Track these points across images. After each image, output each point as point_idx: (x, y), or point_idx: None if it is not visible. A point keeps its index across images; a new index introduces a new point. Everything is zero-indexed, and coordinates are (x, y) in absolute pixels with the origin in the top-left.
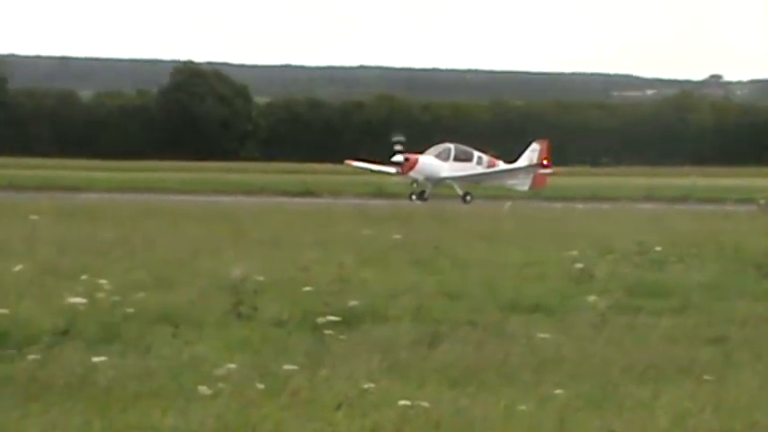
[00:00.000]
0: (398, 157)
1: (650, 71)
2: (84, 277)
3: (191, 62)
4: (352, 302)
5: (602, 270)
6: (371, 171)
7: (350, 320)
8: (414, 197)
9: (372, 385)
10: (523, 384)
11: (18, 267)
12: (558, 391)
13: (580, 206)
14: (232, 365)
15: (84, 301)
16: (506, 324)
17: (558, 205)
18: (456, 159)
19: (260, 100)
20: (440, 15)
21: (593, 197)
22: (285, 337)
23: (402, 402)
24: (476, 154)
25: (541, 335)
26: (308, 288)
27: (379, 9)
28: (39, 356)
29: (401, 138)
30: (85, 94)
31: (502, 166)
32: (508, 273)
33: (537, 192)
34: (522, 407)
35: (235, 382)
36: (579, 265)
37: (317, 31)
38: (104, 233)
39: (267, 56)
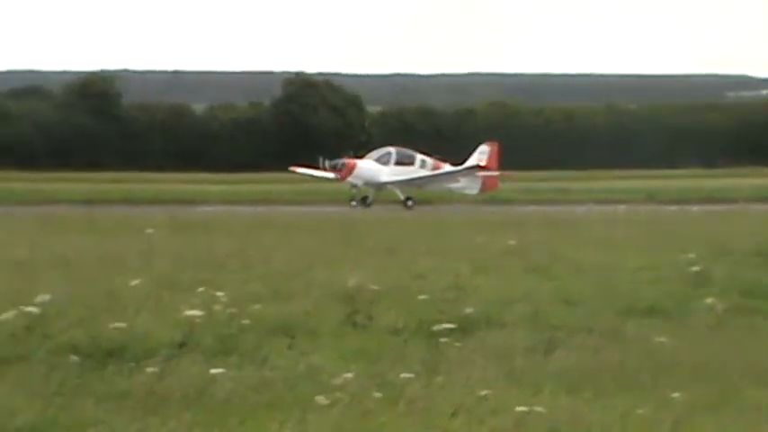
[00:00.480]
0: (336, 162)
1: (765, 71)
2: (200, 290)
3: (302, 73)
4: (468, 310)
5: (719, 272)
6: (313, 177)
7: (465, 327)
8: (354, 203)
9: (489, 392)
10: (640, 389)
11: (135, 282)
12: (675, 395)
13: (695, 208)
14: (349, 375)
15: (200, 313)
16: (623, 329)
17: (673, 208)
18: (397, 163)
19: (372, 109)
20: (548, 20)
21: (709, 199)
22: (401, 345)
23: (519, 409)
24: (419, 157)
25: (658, 338)
26: (423, 296)
27: (489, 16)
28: (157, 369)
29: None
30: (198, 107)
31: (447, 168)
32: (624, 277)
33: (486, 195)
34: (639, 411)
35: (352, 392)
36: (696, 268)
37: (427, 39)
38: (220, 246)
39: (377, 65)
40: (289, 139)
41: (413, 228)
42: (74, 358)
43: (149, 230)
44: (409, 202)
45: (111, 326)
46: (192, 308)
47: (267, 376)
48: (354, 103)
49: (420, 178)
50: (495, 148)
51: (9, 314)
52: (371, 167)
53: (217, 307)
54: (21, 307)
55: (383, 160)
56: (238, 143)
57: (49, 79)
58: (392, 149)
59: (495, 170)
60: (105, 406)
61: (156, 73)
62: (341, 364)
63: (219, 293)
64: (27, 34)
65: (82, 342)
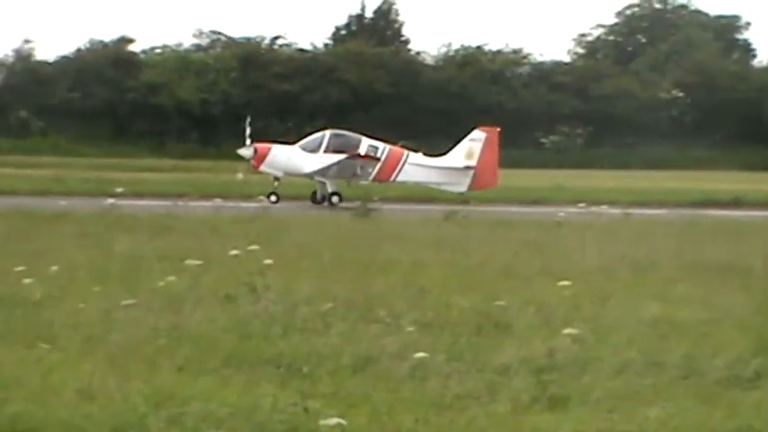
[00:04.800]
0: (245, 150)
1: None
2: None
3: None
4: None
5: None
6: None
7: None
8: (272, 198)
9: None
10: None
11: None
12: None
13: None
14: None
15: None
16: None
17: None
18: (331, 150)
19: None
20: None
21: None
22: None
23: None
24: (366, 143)
25: None
26: None
27: None
28: None
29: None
30: None
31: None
32: None
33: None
34: None
35: None
36: None
37: None
38: None
39: None
40: None
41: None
42: None
43: None
44: (334, 198)
45: None
46: None
47: None
48: None
49: (327, 167)
50: (495, 134)
51: None
52: (291, 156)
53: None
54: None
55: (310, 147)
56: None
57: None
58: (326, 133)
59: (490, 161)
60: None
61: None
62: None
63: None
64: None
65: None
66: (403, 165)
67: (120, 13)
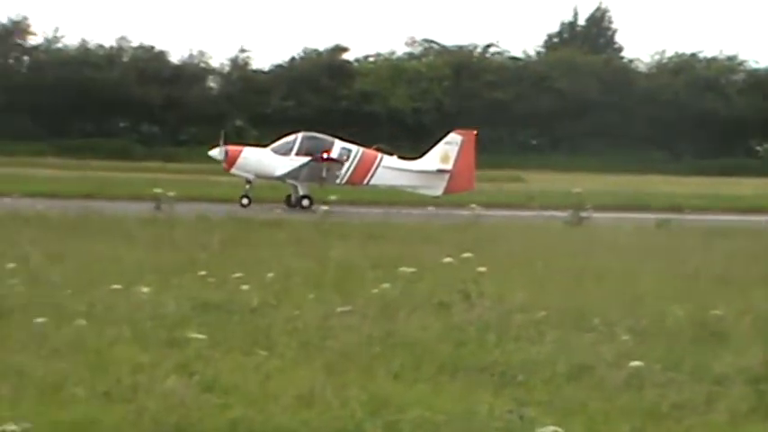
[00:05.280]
0: (216, 152)
1: None
2: None
3: None
4: None
5: None
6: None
7: None
8: (245, 200)
9: None
10: None
11: None
12: None
13: None
14: None
15: None
16: None
17: None
18: (303, 153)
19: None
20: None
21: None
22: None
23: None
24: (338, 146)
25: None
26: None
27: None
28: None
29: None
30: None
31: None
32: None
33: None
34: None
35: None
36: None
37: None
38: None
39: None
40: None
41: None
42: None
43: None
44: (305, 202)
45: None
46: None
47: None
48: None
49: (294, 170)
50: (471, 137)
51: None
52: (262, 159)
53: None
54: None
55: (282, 149)
56: None
57: None
58: (298, 135)
59: (466, 165)
60: None
61: None
62: None
63: None
64: None
65: None
66: (376, 168)
67: (334, 22)
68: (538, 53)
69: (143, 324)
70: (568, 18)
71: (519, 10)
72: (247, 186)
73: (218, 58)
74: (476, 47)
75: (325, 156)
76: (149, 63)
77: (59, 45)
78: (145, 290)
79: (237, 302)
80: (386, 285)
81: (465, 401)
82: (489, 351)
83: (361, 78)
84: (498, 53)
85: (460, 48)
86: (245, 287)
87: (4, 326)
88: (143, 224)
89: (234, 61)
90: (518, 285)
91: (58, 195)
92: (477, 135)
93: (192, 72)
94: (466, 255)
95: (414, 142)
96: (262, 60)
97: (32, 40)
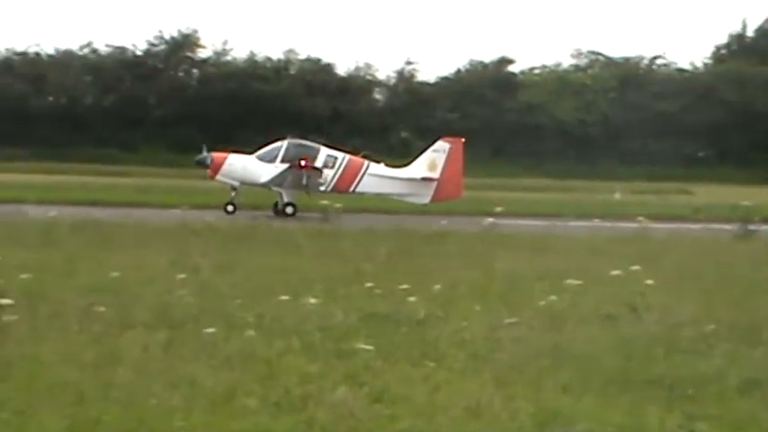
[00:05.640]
0: (203, 157)
1: None
2: None
3: None
4: None
5: None
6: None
7: None
8: (230, 208)
9: None
10: None
11: None
12: None
13: None
14: None
15: None
16: None
17: None
18: (288, 160)
19: None
20: None
21: None
22: None
23: None
24: (324, 153)
25: None
26: None
27: None
28: None
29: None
30: None
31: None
32: None
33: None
34: None
35: None
36: None
37: None
38: None
39: None
40: None
41: None
42: None
43: None
44: (288, 209)
45: None
46: None
47: None
48: None
49: (276, 177)
50: (459, 145)
51: None
52: (247, 165)
53: None
54: None
55: (268, 157)
56: None
57: None
58: (283, 143)
59: (454, 173)
60: None
61: None
62: None
63: None
64: None
65: None
66: (362, 176)
67: (500, 34)
68: (705, 65)
69: (311, 335)
70: (737, 29)
71: (686, 22)
72: (233, 194)
73: (385, 71)
74: (642, 58)
75: (302, 163)
76: (316, 75)
77: (228, 58)
78: (313, 301)
79: (404, 314)
80: (552, 297)
81: (634, 415)
82: (657, 364)
83: (527, 90)
84: (665, 65)
85: (626, 59)
86: (411, 298)
87: (176, 336)
88: (310, 235)
89: (400, 73)
90: (686, 298)
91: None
92: (464, 143)
93: (359, 84)
94: (633, 267)
95: (580, 154)
96: (427, 72)
97: (202, 53)
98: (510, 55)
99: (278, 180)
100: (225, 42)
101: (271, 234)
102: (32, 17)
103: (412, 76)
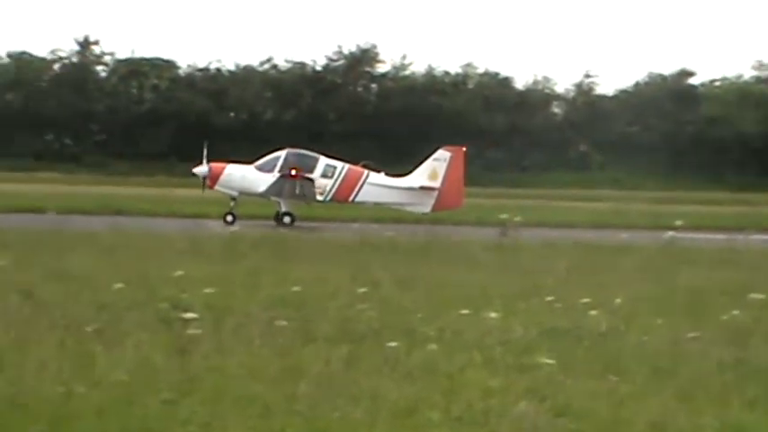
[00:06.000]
0: (200, 168)
1: None
2: None
3: None
4: None
5: None
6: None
7: None
8: (229, 218)
9: None
10: None
11: None
12: None
13: None
14: None
15: None
16: None
17: None
18: (287, 170)
19: None
20: None
21: None
22: None
23: None
24: (323, 162)
25: None
26: None
27: None
28: None
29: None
30: None
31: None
32: None
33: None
34: None
35: None
36: None
37: None
38: None
39: None
40: None
41: None
42: None
43: None
44: (287, 219)
45: None
46: None
47: None
48: None
49: (271, 187)
50: (460, 154)
51: None
52: (246, 175)
53: None
54: None
55: (267, 167)
56: None
57: None
58: (282, 153)
59: (455, 182)
60: None
61: None
62: None
63: None
64: None
65: None
66: (362, 185)
67: (680, 46)
68: None
69: (492, 349)
70: None
71: None
72: (232, 203)
73: (563, 84)
74: None
75: (293, 173)
76: (494, 89)
77: (406, 72)
78: (493, 315)
79: (586, 327)
80: (735, 312)
81: None
82: None
83: (707, 103)
84: None
85: None
86: (592, 312)
87: (358, 350)
88: (488, 249)
89: (579, 86)
90: None
91: (402, 221)
92: (465, 152)
93: (537, 98)
94: None
95: (762, 167)
96: (606, 85)
97: (380, 68)
98: (690, 67)
99: (274, 190)
100: (403, 57)
101: (450, 248)
102: (214, 34)
103: (591, 89)
